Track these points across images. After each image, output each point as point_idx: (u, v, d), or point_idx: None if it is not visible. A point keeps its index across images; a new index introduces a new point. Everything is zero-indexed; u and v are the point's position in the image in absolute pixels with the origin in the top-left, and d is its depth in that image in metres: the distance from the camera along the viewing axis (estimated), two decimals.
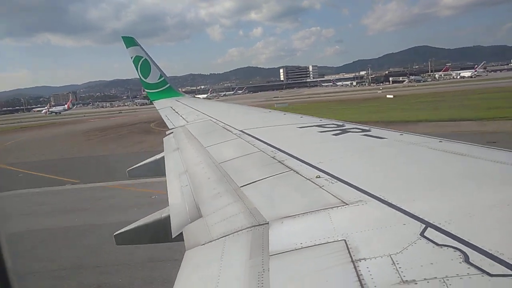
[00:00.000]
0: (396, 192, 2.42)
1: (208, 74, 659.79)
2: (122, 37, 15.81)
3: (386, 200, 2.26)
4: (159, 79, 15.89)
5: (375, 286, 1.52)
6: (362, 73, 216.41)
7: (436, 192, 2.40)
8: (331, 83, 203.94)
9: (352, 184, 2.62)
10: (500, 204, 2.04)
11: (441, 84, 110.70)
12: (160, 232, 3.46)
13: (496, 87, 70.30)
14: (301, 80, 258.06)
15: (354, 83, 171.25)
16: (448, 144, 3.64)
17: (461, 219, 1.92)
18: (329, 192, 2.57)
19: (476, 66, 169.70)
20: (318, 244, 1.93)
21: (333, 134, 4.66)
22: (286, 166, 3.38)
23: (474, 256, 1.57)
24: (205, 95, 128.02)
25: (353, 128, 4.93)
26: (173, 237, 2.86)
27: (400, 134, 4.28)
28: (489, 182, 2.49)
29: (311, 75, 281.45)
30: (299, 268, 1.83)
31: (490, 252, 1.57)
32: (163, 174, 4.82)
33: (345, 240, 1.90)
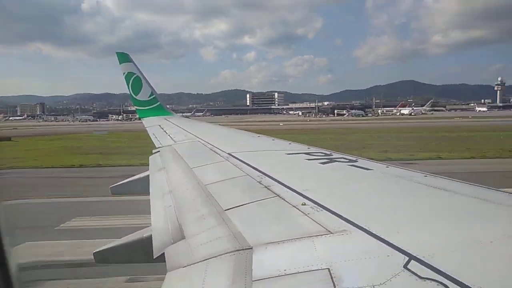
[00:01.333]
0: (381, 223, 2.41)
1: (195, 93, 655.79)
2: (117, 53, 15.51)
3: (370, 231, 2.25)
4: (149, 96, 15.61)
5: None
6: (326, 103, 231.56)
7: (420, 225, 2.40)
8: (284, 112, 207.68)
9: (337, 213, 2.61)
10: (482, 240, 2.05)
11: (365, 120, 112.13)
12: (141, 252, 3.34)
13: (382, 127, 70.30)
14: (266, 106, 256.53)
15: (300, 113, 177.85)
16: (433, 179, 3.67)
17: (444, 253, 1.92)
18: (314, 220, 2.56)
19: (413, 104, 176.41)
20: (302, 272, 1.92)
21: (320, 163, 4.67)
22: (272, 192, 3.37)
23: None
24: None
25: (340, 158, 5.00)
26: (154, 257, 2.79)
27: (386, 167, 4.32)
28: (471, 218, 2.52)
29: (277, 102, 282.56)
30: None
31: (473, 287, 1.57)
32: (147, 193, 4.71)
33: (329, 269, 1.89)
